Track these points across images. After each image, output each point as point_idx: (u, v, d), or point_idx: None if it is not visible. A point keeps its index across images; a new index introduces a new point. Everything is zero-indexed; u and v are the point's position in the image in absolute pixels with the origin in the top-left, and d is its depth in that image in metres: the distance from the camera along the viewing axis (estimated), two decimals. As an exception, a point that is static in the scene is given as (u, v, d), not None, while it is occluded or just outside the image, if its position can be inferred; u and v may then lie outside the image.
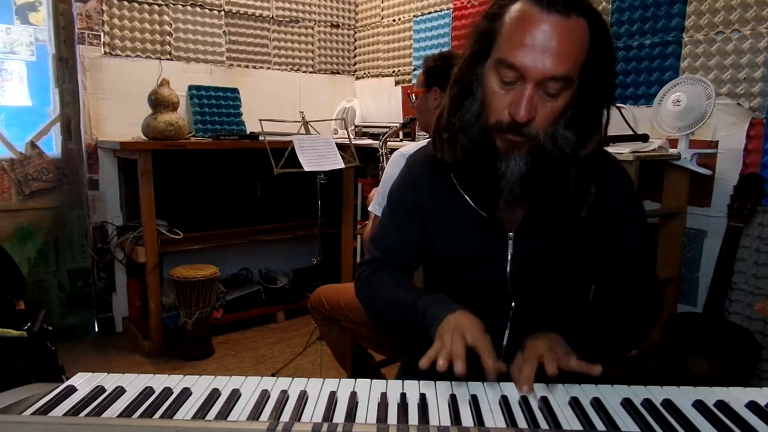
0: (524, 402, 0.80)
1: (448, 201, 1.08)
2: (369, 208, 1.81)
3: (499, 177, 0.93)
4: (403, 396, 0.80)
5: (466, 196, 1.06)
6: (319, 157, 2.58)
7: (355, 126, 3.58)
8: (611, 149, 1.56)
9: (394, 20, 3.61)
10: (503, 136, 0.91)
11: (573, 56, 0.86)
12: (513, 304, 1.09)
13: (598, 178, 0.96)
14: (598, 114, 0.94)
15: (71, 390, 0.82)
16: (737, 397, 0.81)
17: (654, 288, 1.09)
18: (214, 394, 0.80)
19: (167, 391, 0.81)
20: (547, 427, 0.73)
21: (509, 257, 1.05)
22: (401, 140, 3.03)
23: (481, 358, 0.87)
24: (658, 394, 0.82)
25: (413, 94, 1.87)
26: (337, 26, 3.84)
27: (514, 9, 0.88)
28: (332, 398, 0.79)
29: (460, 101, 0.96)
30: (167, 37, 3.15)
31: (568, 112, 0.91)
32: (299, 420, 0.74)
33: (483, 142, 0.93)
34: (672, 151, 2.15)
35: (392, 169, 1.62)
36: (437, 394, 0.82)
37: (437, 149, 1.02)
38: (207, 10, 3.27)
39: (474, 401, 0.79)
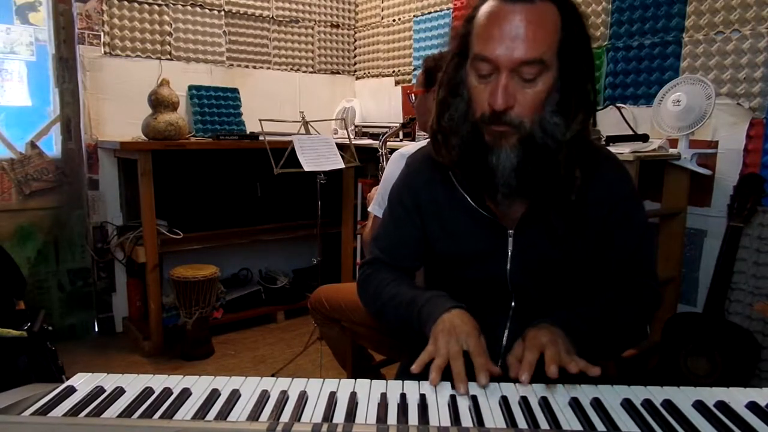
0: (524, 402, 0.80)
1: (447, 200, 1.09)
2: (369, 209, 1.81)
3: (493, 171, 0.94)
4: (403, 396, 0.80)
5: (465, 195, 1.06)
6: (319, 157, 2.58)
7: (355, 126, 3.58)
8: (612, 149, 1.56)
9: (394, 20, 3.61)
10: (489, 129, 0.94)
11: (543, 40, 0.88)
12: (513, 303, 1.09)
13: (584, 163, 0.96)
14: (581, 94, 0.95)
15: (71, 390, 0.82)
16: (737, 397, 0.81)
17: (653, 285, 1.09)
18: (214, 394, 0.80)
19: (167, 392, 0.81)
20: (547, 427, 0.73)
21: (509, 255, 1.05)
22: (401, 140, 3.03)
23: (473, 359, 0.87)
24: (658, 394, 0.82)
25: (413, 94, 1.87)
26: (337, 26, 3.84)
27: (484, 7, 0.93)
28: (332, 398, 0.79)
29: (448, 103, 0.99)
30: (167, 37, 3.15)
31: (554, 97, 0.92)
32: (299, 420, 0.74)
33: (473, 139, 0.96)
34: (672, 151, 2.15)
35: (392, 169, 1.62)
36: (437, 394, 0.82)
37: (437, 152, 1.04)
38: (207, 10, 3.27)
39: (474, 401, 0.79)
